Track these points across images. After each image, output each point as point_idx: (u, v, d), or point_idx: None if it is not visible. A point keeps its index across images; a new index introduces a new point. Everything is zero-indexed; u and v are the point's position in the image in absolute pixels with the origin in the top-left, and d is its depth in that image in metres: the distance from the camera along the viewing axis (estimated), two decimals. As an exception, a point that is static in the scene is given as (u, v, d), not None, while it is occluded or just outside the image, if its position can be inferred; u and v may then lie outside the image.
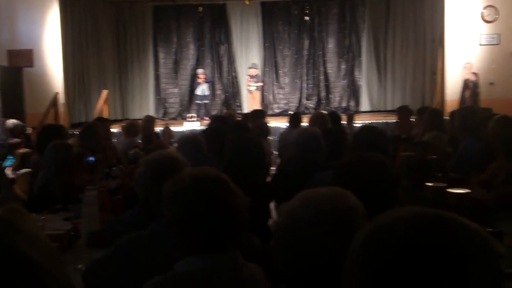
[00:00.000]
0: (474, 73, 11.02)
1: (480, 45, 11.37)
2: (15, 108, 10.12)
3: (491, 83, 11.13)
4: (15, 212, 0.95)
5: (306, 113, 12.85)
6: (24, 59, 10.87)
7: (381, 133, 3.27)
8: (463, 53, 11.35)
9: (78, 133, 5.85)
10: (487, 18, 11.26)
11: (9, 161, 6.47)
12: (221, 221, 1.56)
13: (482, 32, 11.33)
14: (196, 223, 1.56)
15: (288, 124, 7.77)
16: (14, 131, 7.65)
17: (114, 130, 9.45)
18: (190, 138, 4.20)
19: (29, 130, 8.54)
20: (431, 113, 5.68)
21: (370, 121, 11.16)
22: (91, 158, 4.30)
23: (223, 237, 1.57)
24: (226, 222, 1.57)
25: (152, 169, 2.21)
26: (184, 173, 1.65)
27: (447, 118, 6.06)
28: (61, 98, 11.33)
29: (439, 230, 0.82)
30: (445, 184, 2.66)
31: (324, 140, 3.80)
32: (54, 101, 10.99)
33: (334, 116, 6.93)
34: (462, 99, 10.98)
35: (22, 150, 5.74)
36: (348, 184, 1.55)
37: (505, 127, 3.84)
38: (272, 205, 3.73)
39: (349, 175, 1.92)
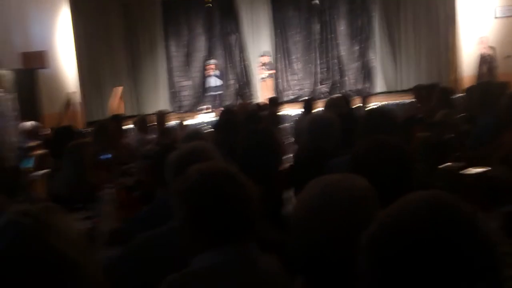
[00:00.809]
0: (491, 47, 10.82)
1: (496, 18, 11.14)
2: (32, 110, 10.23)
3: (508, 57, 10.91)
4: (50, 210, 0.99)
5: (321, 98, 12.79)
6: (38, 61, 10.95)
7: (389, 114, 3.23)
8: (478, 27, 11.15)
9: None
10: (501, -10, 11.04)
11: (27, 163, 6.54)
12: (232, 214, 1.56)
13: (497, 4, 11.10)
14: (207, 219, 1.56)
15: (302, 110, 7.73)
16: (31, 133, 7.72)
17: (130, 126, 9.51)
18: (193, 134, 4.20)
19: (47, 132, 8.62)
20: (441, 90, 5.60)
21: (385, 102, 11.06)
22: (107, 156, 4.33)
23: (236, 230, 1.57)
24: (238, 215, 1.56)
25: (181, 156, 2.23)
26: (192, 169, 1.65)
27: (463, 95, 5.97)
28: (77, 97, 11.42)
29: (441, 223, 0.85)
30: (458, 166, 2.62)
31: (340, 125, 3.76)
32: (70, 101, 11.09)
33: (345, 99, 6.85)
34: (479, 74, 10.81)
35: (40, 152, 5.80)
36: (366, 170, 1.54)
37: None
38: (291, 193, 3.72)
39: (367, 161, 1.90)
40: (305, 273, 1.42)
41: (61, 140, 4.35)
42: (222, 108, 12.32)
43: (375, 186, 1.38)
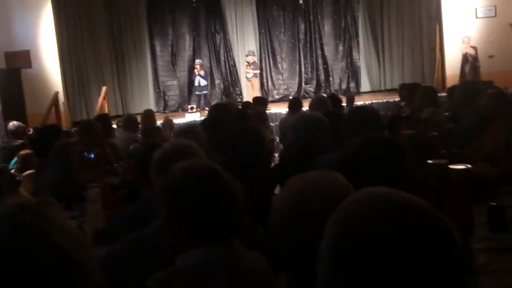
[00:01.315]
0: (473, 47, 10.95)
1: (477, 18, 11.28)
2: (16, 110, 10.13)
3: (491, 56, 11.06)
4: (48, 204, 0.97)
5: (306, 98, 12.82)
6: (21, 60, 10.86)
7: (373, 112, 3.26)
8: (460, 27, 11.27)
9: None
10: (482, -10, 11.17)
11: (13, 163, 6.47)
12: (216, 211, 1.56)
13: (478, 5, 11.24)
14: (191, 216, 1.56)
15: (287, 110, 7.74)
16: (16, 133, 7.66)
17: (115, 126, 9.46)
18: (186, 129, 4.19)
19: (30, 131, 8.55)
20: (425, 89, 5.66)
21: (370, 102, 11.13)
22: (92, 155, 4.31)
23: (221, 227, 1.57)
24: (222, 212, 1.57)
25: (166, 154, 2.23)
26: (175, 167, 1.65)
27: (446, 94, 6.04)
28: (61, 97, 11.32)
29: (405, 221, 0.84)
30: (446, 161, 2.65)
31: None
32: (55, 101, 10.99)
33: (334, 99, 6.90)
34: (462, 73, 10.93)
35: (24, 152, 5.74)
36: (355, 167, 1.54)
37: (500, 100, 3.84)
38: (277, 191, 3.74)
39: (360, 157, 1.90)
40: (289, 270, 1.42)
41: (47, 139, 4.31)
42: (207, 108, 12.36)
43: (367, 182, 1.39)
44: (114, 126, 7.90)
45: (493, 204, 2.19)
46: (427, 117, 4.64)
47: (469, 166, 2.50)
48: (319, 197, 1.32)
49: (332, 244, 0.88)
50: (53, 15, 11.22)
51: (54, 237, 0.90)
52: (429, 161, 2.67)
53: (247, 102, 8.97)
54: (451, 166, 2.44)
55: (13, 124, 7.81)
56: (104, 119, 6.48)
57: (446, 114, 5.57)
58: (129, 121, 6.84)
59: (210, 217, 1.55)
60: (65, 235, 0.93)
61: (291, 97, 11.57)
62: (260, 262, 1.67)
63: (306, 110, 6.74)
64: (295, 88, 14.52)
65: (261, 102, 8.37)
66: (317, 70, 14.61)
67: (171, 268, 1.56)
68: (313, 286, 0.97)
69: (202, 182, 1.58)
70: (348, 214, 0.90)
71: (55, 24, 11.26)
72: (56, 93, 11.12)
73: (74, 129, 7.37)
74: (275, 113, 10.67)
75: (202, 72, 13.20)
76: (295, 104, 7.49)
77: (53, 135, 4.62)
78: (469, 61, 10.94)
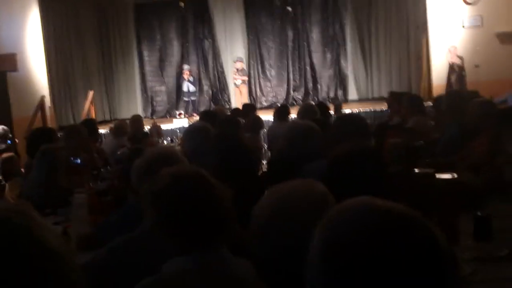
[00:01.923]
0: (459, 57, 11.06)
1: (463, 27, 11.40)
2: (1, 113, 10.03)
3: (477, 66, 11.16)
4: (29, 208, 1.01)
5: (294, 105, 12.86)
6: (8, 63, 10.74)
7: (361, 121, 3.28)
8: (447, 36, 11.38)
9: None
10: (468, 0, 11.28)
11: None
12: (204, 217, 1.56)
13: (464, 15, 11.36)
14: (179, 221, 1.55)
15: (275, 117, 7.72)
16: (4, 137, 7.57)
17: (102, 131, 9.41)
18: (196, 127, 4.19)
19: (16, 135, 8.47)
20: (410, 98, 5.71)
21: (358, 110, 11.19)
22: (78, 160, 4.28)
23: (209, 233, 1.57)
24: (209, 218, 1.56)
25: (147, 161, 2.23)
26: (162, 172, 1.65)
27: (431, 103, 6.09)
28: (47, 101, 11.24)
29: (390, 229, 0.88)
30: (433, 170, 2.68)
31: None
32: (41, 105, 10.91)
33: (322, 107, 6.92)
34: (449, 83, 11.03)
35: (6, 155, 5.69)
36: (343, 175, 1.56)
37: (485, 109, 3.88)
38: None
39: (343, 166, 1.92)
40: (271, 277, 1.43)
41: (39, 142, 4.28)
42: (195, 114, 12.34)
43: (351, 190, 1.40)
44: (102, 131, 7.86)
45: (479, 213, 2.21)
46: (412, 126, 4.68)
47: (455, 175, 2.53)
48: (297, 205, 1.34)
49: (322, 250, 0.92)
50: (40, 18, 11.15)
51: (46, 237, 0.94)
52: (416, 170, 2.69)
53: (237, 109, 8.97)
54: (437, 175, 2.46)
55: (2, 128, 7.73)
56: (90, 123, 6.44)
57: (432, 123, 5.62)
58: (117, 127, 6.83)
59: (197, 223, 1.55)
60: (53, 236, 0.96)
61: (279, 104, 11.60)
62: (249, 269, 1.66)
63: (294, 118, 6.76)
64: (283, 95, 14.56)
65: (250, 109, 8.38)
66: (305, 77, 14.67)
67: (157, 275, 1.55)
68: None
69: (190, 187, 1.57)
70: (336, 222, 0.93)
71: (42, 28, 11.19)
72: (42, 97, 11.04)
73: (60, 133, 7.32)
74: (264, 121, 10.68)
75: (191, 78, 13.21)
76: (282, 112, 7.48)
77: (46, 138, 4.57)
78: (456, 71, 11.05)
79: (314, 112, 5.87)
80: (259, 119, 6.99)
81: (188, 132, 4.23)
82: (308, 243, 1.26)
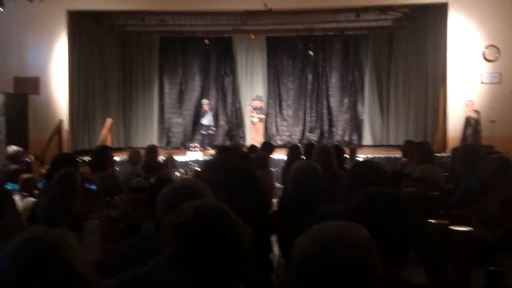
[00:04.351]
0: (476, 111, 11.08)
1: (482, 83, 11.46)
2: (19, 134, 10.20)
3: (492, 121, 11.17)
4: (67, 233, 1.07)
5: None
6: (30, 86, 11.00)
7: (377, 167, 3.29)
8: (465, 90, 11.44)
9: (89, 157, 5.89)
10: (488, 57, 11.38)
11: (9, 187, 6.44)
12: (224, 252, 1.56)
13: (483, 71, 11.44)
14: (199, 254, 1.56)
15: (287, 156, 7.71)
16: (15, 158, 7.66)
17: (116, 158, 9.49)
18: (217, 159, 4.22)
19: (31, 158, 8.56)
20: (420, 147, 5.73)
21: (372, 155, 11.18)
22: (93, 186, 4.31)
23: (226, 269, 1.57)
24: (230, 253, 1.57)
25: (176, 192, 2.23)
26: (186, 205, 1.66)
27: (449, 154, 6.08)
28: (65, 125, 11.40)
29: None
30: (447, 221, 2.67)
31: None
32: (58, 128, 11.07)
33: (338, 150, 6.91)
34: (464, 136, 11.01)
35: (26, 176, 5.75)
36: (364, 221, 1.56)
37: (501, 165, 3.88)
38: (273, 238, 3.73)
39: (366, 211, 1.91)
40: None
41: (61, 166, 4.32)
42: (210, 148, 12.41)
43: (373, 237, 1.41)
44: (117, 158, 7.92)
45: (492, 268, 2.19)
46: (423, 174, 4.67)
47: (470, 228, 2.52)
48: (343, 245, 1.34)
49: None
50: (68, 45, 11.42)
51: (74, 261, 0.98)
52: (431, 221, 2.68)
53: (253, 146, 9.01)
54: (452, 227, 2.45)
55: (12, 148, 7.83)
56: (104, 150, 6.48)
57: (445, 174, 5.61)
58: (134, 155, 6.89)
59: (217, 258, 1.55)
60: (82, 260, 1.01)
61: (292, 144, 11.62)
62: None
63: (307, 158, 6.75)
64: (299, 136, 14.64)
65: (268, 147, 8.42)
66: (322, 119, 14.77)
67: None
68: None
69: (213, 222, 1.58)
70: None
71: (68, 54, 11.45)
72: (61, 121, 11.21)
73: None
74: (277, 159, 10.71)
75: (210, 112, 13.39)
76: (296, 151, 7.47)
77: (68, 162, 4.63)
78: (471, 124, 11.04)
79: (330, 153, 5.86)
80: (264, 156, 7.00)
81: (210, 163, 4.25)
82: (346, 285, 1.27)
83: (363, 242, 1.36)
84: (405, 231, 1.87)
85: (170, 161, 8.46)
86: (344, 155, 7.12)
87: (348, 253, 1.33)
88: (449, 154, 6.14)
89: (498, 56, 11.30)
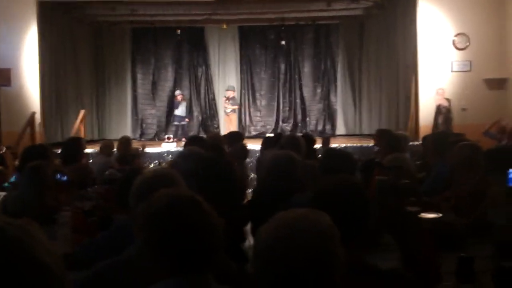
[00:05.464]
0: (447, 99, 11.25)
1: (452, 71, 11.63)
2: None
3: (463, 109, 11.36)
4: (30, 223, 1.02)
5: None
6: (2, 78, 10.77)
7: (348, 156, 3.33)
8: (436, 79, 11.59)
9: (60, 150, 5.80)
10: (458, 46, 11.54)
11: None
12: (196, 241, 1.57)
13: (454, 59, 11.60)
14: (170, 243, 1.56)
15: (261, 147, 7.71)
16: (-14, 151, 7.52)
17: (90, 150, 9.38)
18: (192, 151, 4.19)
19: (1, 149, 8.40)
20: (388, 135, 5.79)
21: (345, 145, 11.28)
22: (64, 177, 4.25)
23: (198, 258, 1.58)
24: (201, 243, 1.57)
25: (148, 182, 2.22)
26: (159, 193, 1.66)
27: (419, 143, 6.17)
28: (38, 117, 11.22)
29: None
30: (417, 209, 2.72)
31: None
32: (31, 121, 10.89)
33: (307, 139, 6.94)
34: (436, 124, 11.18)
35: (-5, 167, 5.65)
36: (327, 208, 1.59)
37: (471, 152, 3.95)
38: (248, 227, 3.75)
39: (328, 198, 1.94)
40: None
41: (32, 158, 4.25)
42: (184, 139, 12.35)
43: (336, 223, 1.44)
44: (90, 150, 7.83)
45: (462, 254, 2.23)
46: (393, 163, 4.71)
47: (440, 215, 2.57)
48: (305, 233, 1.36)
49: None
50: (38, 36, 11.20)
51: (38, 252, 0.95)
52: (400, 209, 2.73)
53: (225, 136, 8.96)
54: (422, 215, 2.49)
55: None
56: (75, 142, 6.38)
57: (418, 162, 5.69)
58: (106, 147, 6.82)
59: (188, 247, 1.56)
60: (47, 251, 0.97)
61: (268, 134, 11.66)
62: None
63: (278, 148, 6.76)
64: (272, 126, 14.69)
65: (237, 137, 8.38)
66: (295, 109, 14.84)
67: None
68: None
69: (185, 210, 1.58)
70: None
71: (39, 45, 11.23)
72: (33, 113, 11.02)
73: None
74: (251, 149, 10.71)
75: (183, 102, 13.29)
76: (270, 142, 7.45)
77: (39, 155, 4.54)
78: (442, 112, 11.21)
79: (299, 144, 5.88)
80: (245, 147, 7.00)
81: (183, 154, 4.22)
82: (309, 273, 1.29)
83: (325, 229, 1.39)
84: (367, 217, 1.91)
85: (141, 154, 8.39)
86: (314, 145, 7.16)
87: (310, 240, 1.35)
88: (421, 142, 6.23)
89: (468, 44, 11.47)
